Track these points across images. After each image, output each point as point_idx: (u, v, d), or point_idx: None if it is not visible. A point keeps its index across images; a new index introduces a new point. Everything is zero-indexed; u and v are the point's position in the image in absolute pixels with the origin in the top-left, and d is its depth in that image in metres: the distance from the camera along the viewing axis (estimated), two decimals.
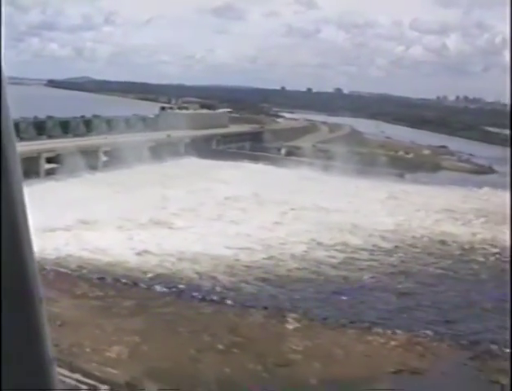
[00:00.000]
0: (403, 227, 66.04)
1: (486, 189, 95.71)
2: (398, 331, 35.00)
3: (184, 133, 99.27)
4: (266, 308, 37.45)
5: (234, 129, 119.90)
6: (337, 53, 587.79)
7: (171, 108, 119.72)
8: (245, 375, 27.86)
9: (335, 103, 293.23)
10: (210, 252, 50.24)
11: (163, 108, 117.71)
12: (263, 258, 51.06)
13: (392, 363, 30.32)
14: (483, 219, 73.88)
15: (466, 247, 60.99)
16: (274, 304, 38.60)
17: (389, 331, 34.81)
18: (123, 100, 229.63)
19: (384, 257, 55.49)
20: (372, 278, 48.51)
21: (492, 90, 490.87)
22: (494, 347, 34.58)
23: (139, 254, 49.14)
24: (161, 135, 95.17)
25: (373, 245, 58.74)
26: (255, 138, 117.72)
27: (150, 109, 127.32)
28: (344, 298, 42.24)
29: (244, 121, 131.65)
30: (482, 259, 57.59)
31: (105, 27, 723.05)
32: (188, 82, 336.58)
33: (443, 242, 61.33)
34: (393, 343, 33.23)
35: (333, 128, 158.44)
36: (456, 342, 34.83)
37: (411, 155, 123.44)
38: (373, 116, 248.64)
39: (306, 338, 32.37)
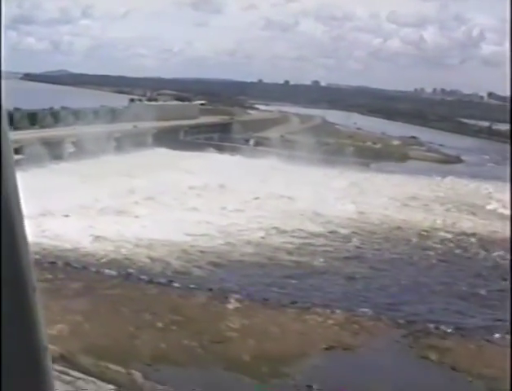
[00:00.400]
0: (365, 215, 67.29)
1: (450, 178, 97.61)
2: (337, 311, 36.19)
3: (152, 125, 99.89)
4: (210, 290, 38.56)
5: (204, 120, 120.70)
6: (316, 46, 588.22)
7: (140, 100, 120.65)
8: (180, 350, 28.99)
9: (312, 95, 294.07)
10: (168, 239, 51.19)
11: (132, 100, 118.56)
12: (220, 244, 52.08)
13: (326, 340, 31.52)
14: (444, 207, 75.41)
15: (424, 233, 62.28)
16: (220, 287, 39.68)
17: (328, 311, 36.01)
18: (99, 93, 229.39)
19: (340, 243, 56.65)
20: (325, 262, 49.64)
21: (469, 82, 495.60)
22: (430, 326, 35.82)
23: (96, 241, 50.02)
24: (128, 126, 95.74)
25: (332, 232, 59.89)
26: (225, 129, 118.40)
27: (123, 101, 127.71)
28: (292, 281, 43.30)
29: (215, 113, 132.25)
30: (439, 245, 58.89)
31: (82, 20, 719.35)
32: (167, 75, 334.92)
33: (401, 228, 62.65)
34: (330, 321, 34.45)
35: (305, 119, 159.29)
36: (393, 322, 36.04)
37: (378, 146, 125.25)
38: (349, 107, 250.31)
39: (244, 317, 33.51)
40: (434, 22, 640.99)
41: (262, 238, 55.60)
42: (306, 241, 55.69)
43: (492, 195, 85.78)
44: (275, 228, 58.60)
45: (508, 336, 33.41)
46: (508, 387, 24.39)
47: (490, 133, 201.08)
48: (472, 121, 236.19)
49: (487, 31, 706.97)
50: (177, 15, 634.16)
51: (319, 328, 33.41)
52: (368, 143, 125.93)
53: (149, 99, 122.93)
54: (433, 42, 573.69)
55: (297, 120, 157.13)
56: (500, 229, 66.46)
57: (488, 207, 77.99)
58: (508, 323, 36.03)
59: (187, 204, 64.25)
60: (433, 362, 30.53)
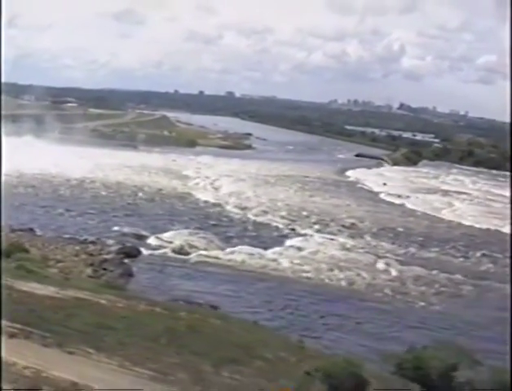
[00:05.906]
0: (62, 172, 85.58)
1: (204, 156, 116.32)
2: None
3: None
4: None
5: (21, 112, 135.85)
6: (240, 58, 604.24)
7: None
8: None
9: (215, 104, 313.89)
10: None
11: None
12: None
13: None
14: (148, 172, 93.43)
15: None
16: None
17: None
18: None
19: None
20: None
21: (389, 94, 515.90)
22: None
23: None
24: None
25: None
26: (40, 121, 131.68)
27: None
28: None
29: (41, 108, 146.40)
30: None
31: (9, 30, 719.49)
32: (93, 86, 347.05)
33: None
34: None
35: (145, 116, 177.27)
36: None
37: (173, 134, 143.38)
38: (237, 114, 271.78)
39: None
40: (354, 36, 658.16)
41: None
42: None
43: (211, 166, 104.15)
44: None
45: None
46: None
47: (337, 133, 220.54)
48: (361, 128, 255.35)
49: (407, 45, 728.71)
50: (101, 26, 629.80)
51: None
52: (165, 132, 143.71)
53: None
54: (355, 56, 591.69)
55: (134, 115, 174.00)
56: (165, 183, 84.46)
57: (184, 172, 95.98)
58: None
59: None
60: None
